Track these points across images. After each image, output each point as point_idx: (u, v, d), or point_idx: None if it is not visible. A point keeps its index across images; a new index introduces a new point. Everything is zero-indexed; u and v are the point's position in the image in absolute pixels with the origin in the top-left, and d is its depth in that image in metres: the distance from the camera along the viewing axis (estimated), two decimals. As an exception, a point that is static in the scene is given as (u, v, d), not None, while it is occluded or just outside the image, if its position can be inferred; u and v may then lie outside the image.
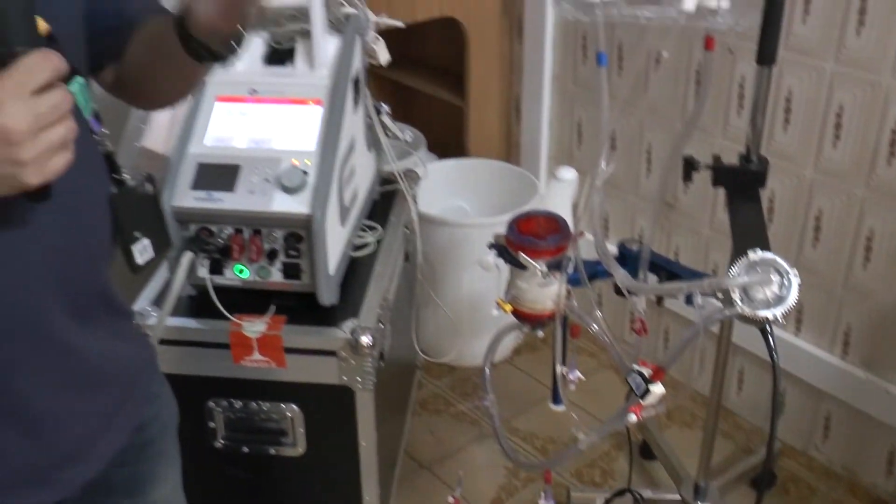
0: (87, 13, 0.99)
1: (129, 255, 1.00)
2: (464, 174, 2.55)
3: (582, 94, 2.36)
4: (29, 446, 0.92)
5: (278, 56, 1.58)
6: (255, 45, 1.60)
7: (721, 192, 1.51)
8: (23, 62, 0.76)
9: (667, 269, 1.44)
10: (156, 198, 1.03)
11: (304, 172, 1.41)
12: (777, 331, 1.37)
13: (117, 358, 1.02)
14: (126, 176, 0.97)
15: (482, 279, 2.06)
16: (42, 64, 0.77)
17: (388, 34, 1.81)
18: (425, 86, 2.77)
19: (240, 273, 1.44)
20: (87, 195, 0.92)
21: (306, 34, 1.57)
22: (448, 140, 2.70)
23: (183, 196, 1.40)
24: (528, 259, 1.32)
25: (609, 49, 2.18)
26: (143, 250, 1.01)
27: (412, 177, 1.96)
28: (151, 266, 1.06)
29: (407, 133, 1.92)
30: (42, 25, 0.82)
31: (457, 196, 2.54)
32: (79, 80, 0.93)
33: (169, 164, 1.44)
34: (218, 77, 1.54)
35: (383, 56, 1.80)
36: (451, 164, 2.57)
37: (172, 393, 1.13)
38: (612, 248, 1.37)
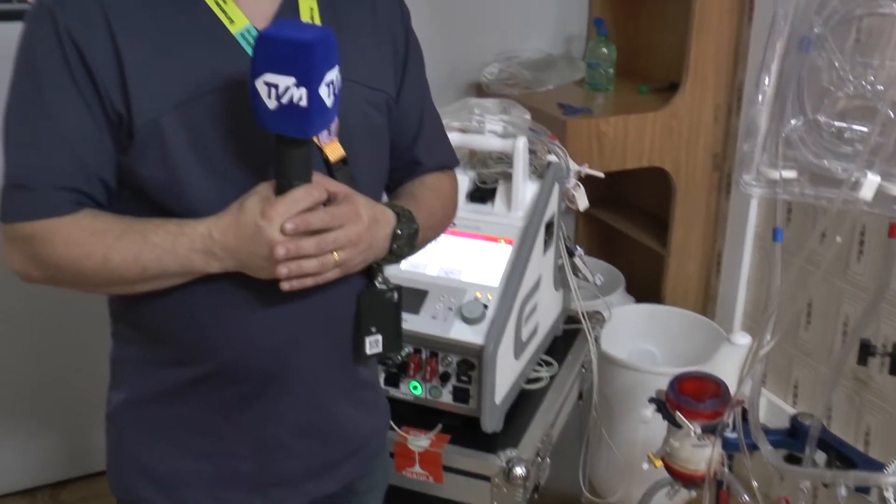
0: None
1: (360, 344, 1.22)
2: (657, 320, 2.57)
3: (785, 257, 2.34)
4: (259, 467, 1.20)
5: (481, 194, 1.73)
6: (462, 183, 1.75)
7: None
8: (294, 192, 1.04)
9: (838, 451, 1.41)
10: (398, 305, 1.20)
11: (485, 306, 1.52)
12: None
13: (358, 421, 1.26)
14: (378, 280, 1.17)
15: (659, 426, 2.06)
16: (306, 196, 1.05)
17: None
18: (630, 229, 2.84)
19: (413, 389, 1.55)
20: (342, 286, 1.15)
21: (509, 177, 1.71)
22: (647, 284, 2.75)
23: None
24: (685, 419, 1.35)
25: (812, 214, 2.18)
26: (373, 344, 1.23)
27: (597, 318, 2.02)
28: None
29: (598, 276, 1.99)
30: (337, 152, 1.08)
31: (647, 340, 2.56)
32: None
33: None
34: (424, 208, 1.69)
35: (582, 203, 1.91)
36: (645, 309, 2.60)
37: (391, 460, 1.32)
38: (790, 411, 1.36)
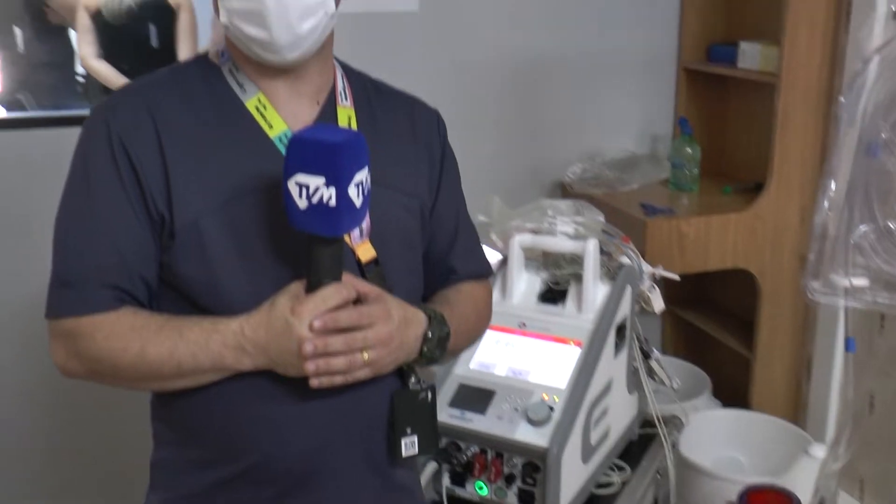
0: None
1: (395, 446, 1.22)
2: (744, 426, 2.48)
3: (877, 364, 2.25)
4: None
5: (552, 295, 1.73)
6: (533, 283, 1.76)
7: None
8: (323, 290, 1.08)
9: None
10: (433, 405, 1.22)
11: (551, 408, 1.51)
12: None
13: None
14: (412, 380, 1.19)
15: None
16: (335, 294, 1.08)
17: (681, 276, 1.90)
18: (716, 330, 2.78)
19: (479, 489, 1.54)
20: (375, 385, 1.17)
21: (580, 278, 1.71)
22: (735, 387, 2.67)
23: (440, 411, 1.55)
24: (754, 533, 1.30)
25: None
26: (410, 445, 1.22)
27: (675, 423, 1.98)
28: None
29: (675, 380, 1.95)
30: (368, 253, 1.12)
31: (733, 447, 2.47)
32: None
33: (435, 379, 1.61)
34: (496, 307, 1.71)
35: (658, 305, 1.89)
36: (732, 414, 2.52)
37: None
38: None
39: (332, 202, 1.05)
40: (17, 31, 3.51)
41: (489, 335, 1.68)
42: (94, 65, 3.49)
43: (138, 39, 2.85)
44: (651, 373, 1.92)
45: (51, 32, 3.69)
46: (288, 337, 1.08)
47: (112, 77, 3.38)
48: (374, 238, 1.20)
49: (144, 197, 1.14)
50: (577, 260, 1.76)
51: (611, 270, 1.76)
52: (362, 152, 1.08)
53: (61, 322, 1.15)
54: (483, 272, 1.41)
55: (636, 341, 1.83)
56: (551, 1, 2.83)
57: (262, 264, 1.14)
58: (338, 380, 1.09)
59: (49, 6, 3.61)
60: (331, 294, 1.09)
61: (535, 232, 1.77)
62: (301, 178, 1.05)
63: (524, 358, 1.64)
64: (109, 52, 2.90)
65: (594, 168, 2.82)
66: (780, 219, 2.46)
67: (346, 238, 1.15)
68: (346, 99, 1.27)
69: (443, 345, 1.21)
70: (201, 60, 1.26)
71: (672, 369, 2.00)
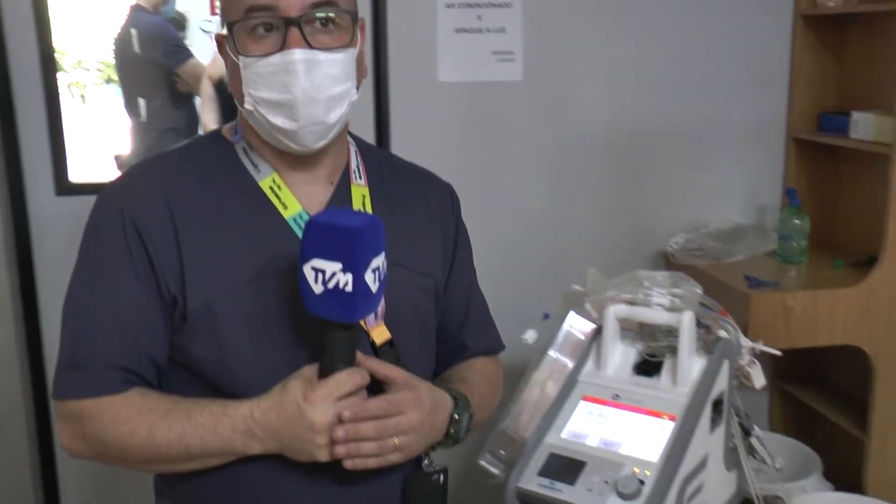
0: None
1: None
2: (856, 511, 2.37)
3: None
4: None
5: (647, 368, 1.71)
6: (628, 354, 1.74)
7: None
8: (336, 376, 1.08)
9: None
10: (444, 487, 1.21)
11: (641, 482, 1.48)
12: None
13: None
14: (425, 462, 1.19)
15: None
16: (348, 380, 1.08)
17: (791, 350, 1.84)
18: (827, 409, 2.68)
19: (567, 563, 1.51)
20: (387, 468, 1.16)
21: (676, 351, 1.68)
22: (848, 470, 2.55)
23: (529, 480, 1.54)
24: None
25: None
26: None
27: (777, 504, 1.90)
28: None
29: (778, 459, 1.88)
30: (383, 335, 1.13)
31: (845, 533, 2.35)
32: None
33: (525, 447, 1.60)
34: (589, 377, 1.70)
35: (758, 381, 1.83)
36: (843, 498, 2.39)
37: None
38: None
39: (349, 288, 1.04)
40: (142, 102, 3.75)
41: (583, 405, 1.67)
42: (217, 132, 3.69)
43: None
44: (751, 450, 1.86)
45: (178, 100, 3.94)
46: (299, 422, 1.07)
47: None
48: (389, 319, 1.20)
49: (157, 279, 1.14)
50: (673, 332, 1.74)
51: (708, 344, 1.73)
52: (380, 237, 1.08)
53: (68, 404, 1.15)
54: (494, 348, 1.40)
55: (735, 417, 1.78)
56: (656, 69, 2.85)
57: (276, 346, 1.14)
58: (371, 462, 1.09)
59: (179, 76, 3.86)
60: (344, 380, 1.08)
61: (631, 303, 1.76)
62: (317, 262, 1.05)
63: (616, 430, 1.62)
64: (230, 119, 3.07)
65: (698, 238, 2.79)
66: (895, 294, 2.37)
67: (362, 321, 1.15)
68: (360, 177, 1.27)
69: (468, 426, 1.21)
70: (215, 137, 1.28)
71: (778, 448, 1.94)
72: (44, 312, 2.59)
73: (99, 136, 3.09)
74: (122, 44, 3.94)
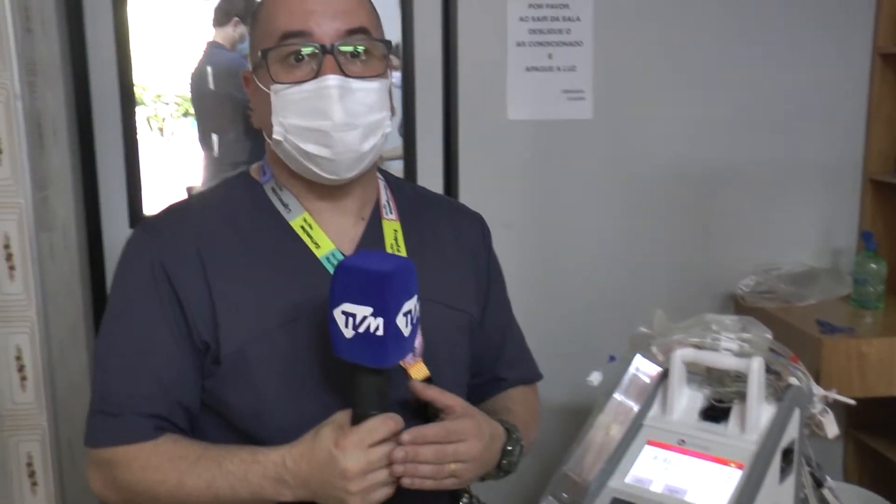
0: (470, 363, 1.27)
1: None
2: (933, 569, 2.27)
3: None
4: None
5: (714, 413, 1.67)
6: (696, 399, 1.70)
7: None
8: (369, 422, 1.05)
9: None
10: None
11: (707, 532, 1.44)
12: None
13: None
14: (464, 499, 1.18)
15: None
16: (381, 427, 1.05)
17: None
18: (904, 461, 2.58)
19: None
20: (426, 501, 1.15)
21: (744, 396, 1.64)
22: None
23: (591, 525, 1.51)
24: None
25: None
26: None
27: (849, 559, 1.83)
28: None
29: (854, 511, 1.82)
30: (421, 372, 1.12)
31: (921, 591, 2.26)
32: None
33: (588, 491, 1.57)
34: (655, 421, 1.67)
35: (831, 430, 1.77)
36: (919, 554, 2.31)
37: None
38: None
39: (380, 332, 1.01)
40: (215, 137, 3.84)
41: (648, 450, 1.64)
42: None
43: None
44: (824, 502, 1.80)
45: (251, 135, 4.03)
46: (331, 470, 1.04)
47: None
48: (426, 356, 1.18)
49: (188, 325, 1.13)
50: (741, 378, 1.70)
51: (778, 391, 1.68)
52: (412, 280, 1.05)
53: (99, 451, 1.15)
54: (532, 377, 1.38)
55: (806, 467, 1.73)
56: (727, 109, 2.82)
57: (309, 390, 1.13)
58: (428, 484, 1.07)
59: (252, 110, 3.95)
60: (376, 426, 1.05)
61: (698, 347, 1.73)
62: (348, 307, 1.02)
63: (682, 476, 1.59)
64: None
65: (769, 281, 2.73)
66: (976, 343, 2.29)
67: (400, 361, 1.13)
68: (390, 212, 1.25)
69: (519, 458, 1.19)
70: (243, 178, 1.26)
71: (852, 500, 1.88)
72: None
73: (175, 168, 3.17)
74: (199, 79, 4.05)
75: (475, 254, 1.31)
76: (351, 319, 1.01)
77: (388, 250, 1.21)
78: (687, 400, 1.75)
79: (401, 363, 1.15)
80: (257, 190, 1.22)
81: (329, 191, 1.19)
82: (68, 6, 2.49)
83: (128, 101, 2.66)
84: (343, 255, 1.17)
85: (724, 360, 1.68)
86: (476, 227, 1.34)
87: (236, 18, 4.08)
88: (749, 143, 2.81)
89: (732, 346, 1.69)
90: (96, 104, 2.61)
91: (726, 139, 2.80)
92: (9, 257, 2.08)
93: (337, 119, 1.11)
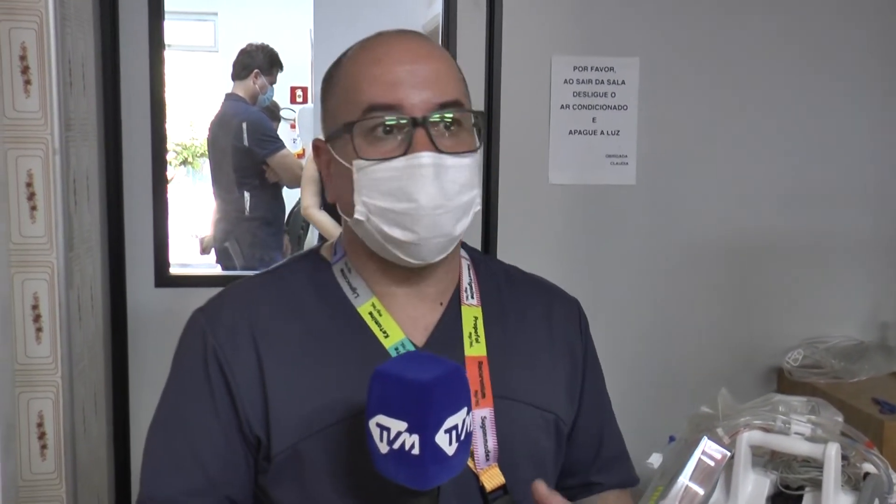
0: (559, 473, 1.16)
1: None
2: None
3: None
4: None
5: (783, 500, 1.57)
6: (761, 485, 1.61)
7: None
8: None
9: None
10: None
11: None
12: None
13: None
14: None
15: None
16: None
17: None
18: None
19: None
20: None
21: (817, 484, 1.54)
22: None
23: None
24: None
25: None
26: None
27: None
28: None
29: None
30: (495, 479, 1.00)
31: None
32: None
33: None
34: None
35: (906, 520, 1.67)
36: None
37: None
38: None
39: (415, 451, 0.88)
40: (230, 188, 3.81)
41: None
42: (315, 215, 3.69)
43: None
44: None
45: (266, 189, 3.99)
46: None
47: (330, 227, 3.55)
48: (503, 461, 1.06)
49: (239, 420, 1.06)
50: (811, 463, 1.60)
51: (852, 478, 1.59)
52: (460, 391, 0.92)
53: None
54: (630, 482, 1.27)
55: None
56: (774, 178, 2.76)
57: (359, 491, 1.03)
58: None
59: (268, 166, 3.90)
60: None
61: (766, 430, 1.63)
62: (382, 419, 0.90)
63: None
64: (329, 204, 3.09)
65: (816, 355, 2.64)
66: None
67: (470, 462, 1.03)
68: (472, 296, 1.15)
69: None
70: (313, 256, 1.18)
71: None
72: (133, 404, 2.57)
73: (177, 216, 3.10)
74: (216, 130, 4.01)
75: (569, 345, 1.19)
76: (385, 433, 0.89)
77: (466, 340, 1.10)
78: (752, 485, 1.65)
79: (472, 468, 1.03)
80: (325, 271, 1.13)
81: (407, 274, 1.09)
82: (104, 59, 2.45)
83: (159, 160, 2.61)
84: (414, 345, 1.07)
85: (797, 445, 1.58)
86: (572, 315, 1.21)
87: (257, 70, 4.06)
88: (795, 213, 2.74)
89: (804, 431, 1.59)
90: (127, 162, 2.56)
91: (773, 208, 2.72)
92: (36, 318, 2.00)
93: (428, 201, 1.02)
